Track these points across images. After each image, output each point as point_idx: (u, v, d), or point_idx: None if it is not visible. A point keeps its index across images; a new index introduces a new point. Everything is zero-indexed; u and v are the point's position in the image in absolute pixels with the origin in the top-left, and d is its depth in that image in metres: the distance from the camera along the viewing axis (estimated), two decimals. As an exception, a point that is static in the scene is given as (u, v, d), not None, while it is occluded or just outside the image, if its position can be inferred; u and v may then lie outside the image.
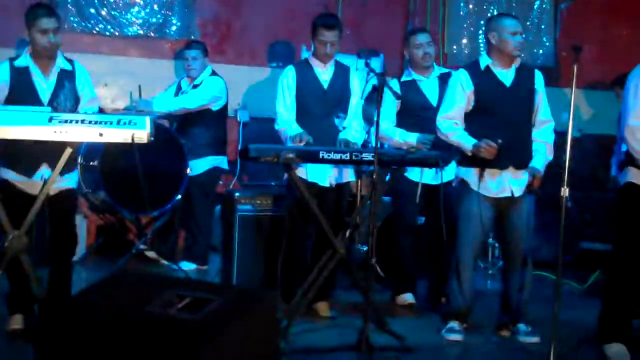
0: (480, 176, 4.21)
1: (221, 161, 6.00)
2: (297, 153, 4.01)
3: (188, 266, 5.85)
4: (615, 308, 4.02)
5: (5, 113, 3.51)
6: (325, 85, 4.67)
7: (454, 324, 4.32)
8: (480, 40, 7.23)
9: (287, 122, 4.62)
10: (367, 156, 4.08)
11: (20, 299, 4.01)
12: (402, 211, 5.02)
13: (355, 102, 4.73)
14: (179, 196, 5.70)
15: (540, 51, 7.51)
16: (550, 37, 7.53)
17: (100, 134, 3.56)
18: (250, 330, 2.77)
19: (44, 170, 3.91)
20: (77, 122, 3.54)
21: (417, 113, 4.86)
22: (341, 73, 4.72)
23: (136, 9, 6.68)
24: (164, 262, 5.99)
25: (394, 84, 4.91)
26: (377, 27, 7.18)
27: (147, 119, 3.64)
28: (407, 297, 5.00)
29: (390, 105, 4.84)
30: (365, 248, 5.35)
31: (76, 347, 2.78)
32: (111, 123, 3.59)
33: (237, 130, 6.77)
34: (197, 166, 5.84)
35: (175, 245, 6.15)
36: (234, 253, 5.12)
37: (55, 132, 3.52)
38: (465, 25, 7.29)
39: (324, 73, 4.69)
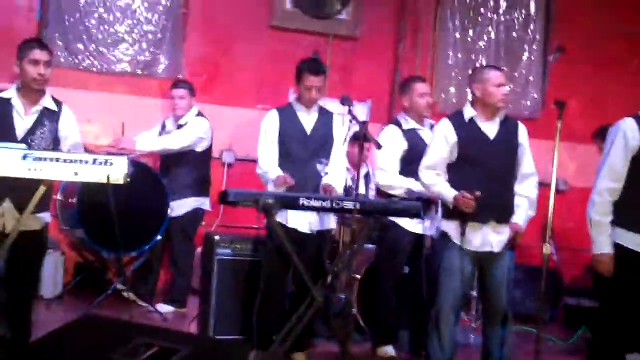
0: (463, 230, 4.14)
1: (203, 203, 5.92)
2: (276, 199, 3.95)
3: (166, 308, 5.73)
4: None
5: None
6: (309, 131, 4.64)
7: (433, 380, 4.22)
8: (468, 90, 7.22)
9: (269, 166, 4.57)
10: (349, 204, 4.02)
11: None
12: (388, 260, 4.92)
13: (339, 148, 4.68)
14: (159, 237, 5.63)
15: (528, 103, 7.51)
16: (538, 89, 7.54)
17: (76, 173, 3.48)
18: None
19: (5, 205, 3.87)
20: (52, 160, 3.46)
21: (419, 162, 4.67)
22: (325, 119, 4.69)
23: (125, 46, 6.65)
24: (142, 303, 5.86)
25: (393, 132, 4.88)
26: (365, 73, 7.20)
27: (125, 159, 3.57)
28: (388, 350, 4.89)
29: (393, 152, 4.80)
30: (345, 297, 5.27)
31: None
32: (87, 162, 3.51)
33: (222, 172, 6.70)
34: (179, 207, 5.76)
35: (155, 286, 6.03)
36: (211, 298, 5.02)
37: (29, 169, 3.43)
38: (453, 75, 7.29)
39: (308, 118, 4.65)
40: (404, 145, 4.83)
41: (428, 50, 7.34)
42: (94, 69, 6.61)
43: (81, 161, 3.51)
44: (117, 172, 3.53)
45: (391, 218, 4.59)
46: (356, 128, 4.75)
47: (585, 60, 7.57)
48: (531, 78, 7.50)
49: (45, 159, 3.45)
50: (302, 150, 4.58)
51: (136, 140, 5.73)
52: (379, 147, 4.28)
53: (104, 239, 5.44)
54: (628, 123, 3.80)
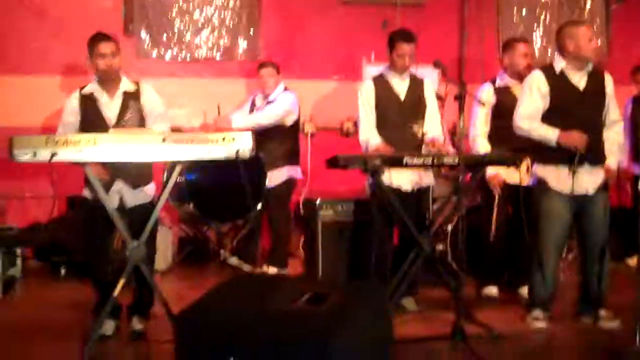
0: (574, 169, 4.38)
1: (296, 171, 6.33)
2: (382, 159, 4.32)
3: (271, 270, 6.16)
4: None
5: (121, 137, 3.85)
6: (402, 96, 4.98)
7: (538, 313, 4.57)
8: (535, 45, 7.49)
9: (369, 132, 4.93)
10: (449, 159, 4.37)
11: (137, 304, 4.39)
12: (485, 209, 5.26)
13: (432, 110, 5.03)
14: (260, 205, 6.06)
15: (593, 50, 7.71)
16: (603, 37, 7.73)
17: (209, 152, 3.88)
18: (369, 319, 3.07)
19: (119, 185, 4.31)
20: (187, 142, 3.86)
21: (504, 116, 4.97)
22: (416, 84, 5.03)
23: (205, 33, 7.10)
24: (247, 268, 6.32)
25: (486, 88, 5.20)
26: (433, 37, 7.45)
27: (249, 134, 3.95)
28: (492, 290, 5.27)
29: (480, 116, 5.13)
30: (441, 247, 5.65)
31: (213, 343, 3.08)
32: (217, 141, 3.90)
33: (306, 142, 7.09)
34: (275, 177, 6.17)
35: (257, 251, 6.47)
36: (318, 258, 5.45)
37: (169, 152, 3.84)
38: (519, 31, 7.51)
39: (401, 84, 4.99)
40: (493, 101, 5.15)
41: (492, 9, 7.59)
42: (179, 58, 7.07)
43: (212, 140, 3.91)
44: (244, 147, 3.92)
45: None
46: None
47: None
48: (595, 27, 7.68)
49: (182, 141, 3.86)
50: (398, 115, 4.93)
51: (232, 118, 6.14)
52: (482, 104, 4.59)
53: (211, 211, 5.94)
54: None
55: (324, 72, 7.37)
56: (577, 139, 4.36)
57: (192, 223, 6.53)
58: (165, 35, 7.04)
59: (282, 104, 6.18)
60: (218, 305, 3.21)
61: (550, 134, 4.43)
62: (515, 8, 7.58)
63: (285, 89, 6.30)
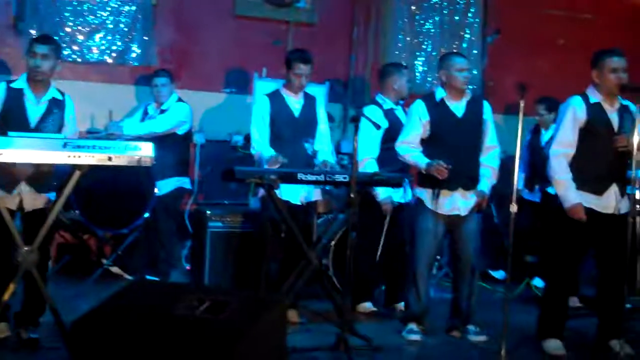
0: (435, 196, 4.76)
1: (185, 182, 6.39)
2: (278, 175, 4.51)
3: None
4: (553, 309, 4.66)
5: (23, 139, 3.84)
6: (297, 113, 5.19)
7: (413, 326, 4.88)
8: (417, 72, 7.92)
9: (262, 146, 5.09)
10: (340, 177, 4.61)
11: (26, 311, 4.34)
12: (370, 226, 5.44)
13: (324, 128, 5.25)
14: (147, 214, 6.08)
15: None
16: (478, 67, 8.25)
17: (109, 158, 3.94)
18: (267, 329, 3.23)
19: (22, 187, 4.31)
20: (89, 147, 3.91)
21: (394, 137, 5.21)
22: (309, 102, 5.25)
23: (98, 36, 7.03)
24: (128, 277, 6.32)
25: (376, 111, 5.38)
26: (323, 57, 7.70)
27: (150, 144, 4.05)
28: (368, 305, 5.53)
29: (372, 138, 5.29)
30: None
31: (110, 351, 3.15)
32: (119, 148, 3.97)
33: (194, 152, 7.16)
34: (163, 186, 6.21)
35: (140, 260, 6.47)
36: (204, 268, 5.55)
37: (68, 156, 3.87)
38: (403, 56, 7.88)
39: (295, 102, 5.20)
40: (385, 124, 5.38)
41: (379, 35, 7.94)
42: (69, 59, 6.96)
43: (114, 147, 3.97)
44: (146, 155, 4.01)
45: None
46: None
47: (518, 40, 8.31)
48: (471, 57, 8.18)
49: (83, 147, 3.91)
50: (291, 132, 5.14)
51: (123, 125, 6.13)
52: (378, 127, 4.84)
53: (99, 219, 5.90)
54: (576, 100, 4.51)
55: (215, 83, 7.46)
56: (438, 169, 4.64)
57: (73, 230, 6.45)
58: (56, 36, 6.90)
59: (176, 114, 6.24)
60: (114, 314, 3.27)
61: (420, 163, 4.76)
62: (401, 34, 7.95)
63: (180, 99, 6.36)
